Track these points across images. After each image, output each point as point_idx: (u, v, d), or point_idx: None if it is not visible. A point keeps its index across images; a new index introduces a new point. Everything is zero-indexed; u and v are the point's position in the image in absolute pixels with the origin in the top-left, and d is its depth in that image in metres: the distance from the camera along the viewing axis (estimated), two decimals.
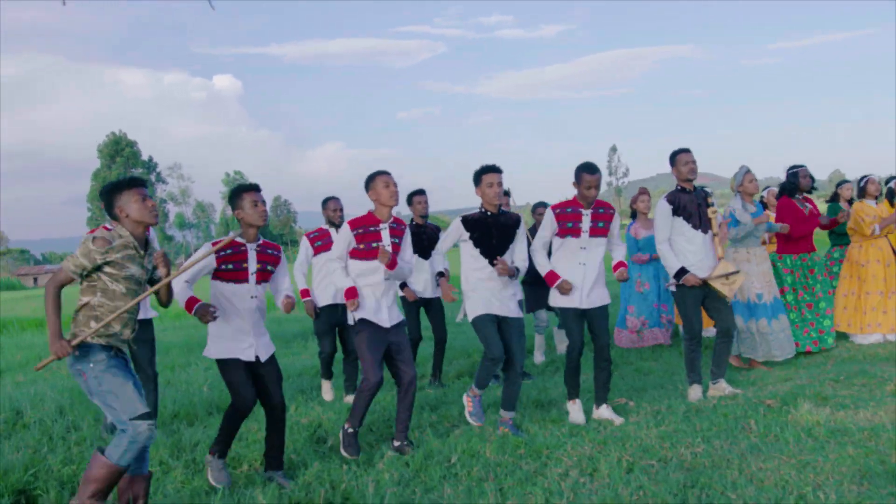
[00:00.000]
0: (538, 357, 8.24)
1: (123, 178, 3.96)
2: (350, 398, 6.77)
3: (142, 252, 3.96)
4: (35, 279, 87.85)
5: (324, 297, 6.78)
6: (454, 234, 5.43)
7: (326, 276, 6.64)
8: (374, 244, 5.04)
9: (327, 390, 6.98)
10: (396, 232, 5.16)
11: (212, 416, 6.41)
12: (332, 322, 6.82)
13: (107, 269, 3.81)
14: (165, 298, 4.18)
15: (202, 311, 4.34)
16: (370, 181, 5.12)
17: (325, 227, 6.89)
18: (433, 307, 7.20)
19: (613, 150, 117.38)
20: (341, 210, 6.87)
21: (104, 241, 3.79)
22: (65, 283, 3.80)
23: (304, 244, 6.86)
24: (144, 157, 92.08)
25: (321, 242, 6.80)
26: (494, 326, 5.31)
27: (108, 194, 3.92)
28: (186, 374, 8.47)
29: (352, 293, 5.00)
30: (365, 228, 5.08)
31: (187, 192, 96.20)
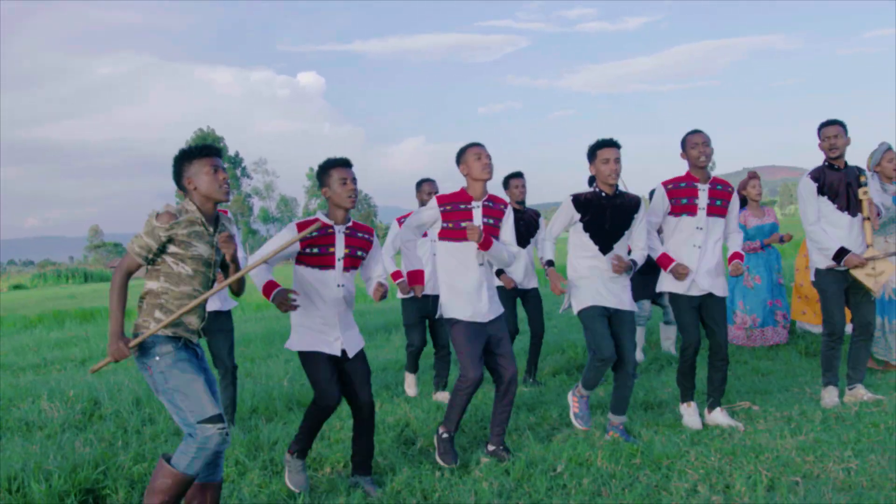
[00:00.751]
0: (638, 354, 7.57)
1: (196, 145, 3.49)
2: (439, 395, 6.26)
3: (210, 230, 3.48)
4: None
5: None
6: (565, 216, 4.80)
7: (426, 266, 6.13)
8: (464, 224, 4.47)
9: (411, 384, 6.48)
10: (492, 212, 4.58)
11: (292, 412, 6.00)
12: (422, 313, 6.30)
13: (171, 248, 3.35)
14: (236, 287, 3.72)
15: (280, 299, 3.86)
16: (461, 154, 4.57)
17: None
18: (530, 298, 6.62)
19: None
20: (437, 193, 6.29)
21: (169, 215, 3.32)
22: (132, 269, 3.34)
23: (394, 227, 6.31)
24: (231, 152, 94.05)
25: None
26: (605, 322, 4.72)
27: (178, 163, 3.46)
28: (266, 367, 8.12)
29: (417, 277, 4.55)
30: (454, 205, 4.52)
31: (271, 186, 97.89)
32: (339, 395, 4.09)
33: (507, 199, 6.47)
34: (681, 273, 4.79)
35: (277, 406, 6.16)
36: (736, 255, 4.97)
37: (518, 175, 6.59)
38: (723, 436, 4.64)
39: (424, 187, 6.34)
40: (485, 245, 4.39)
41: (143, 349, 3.35)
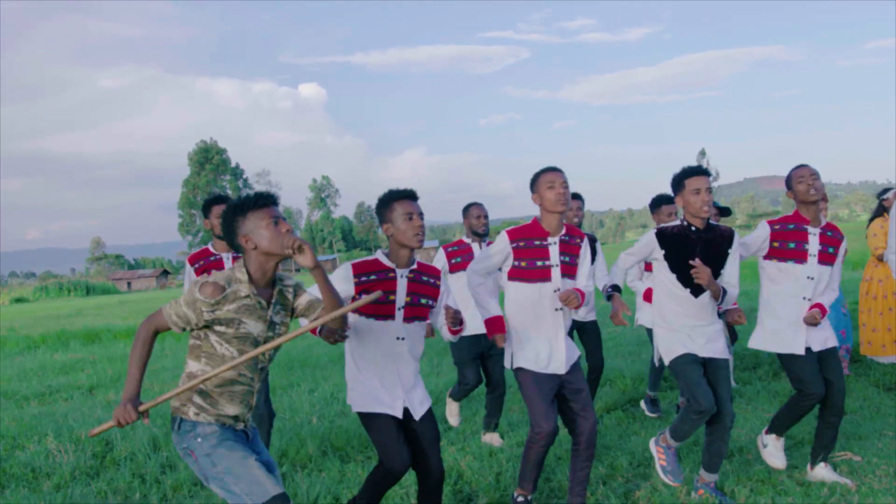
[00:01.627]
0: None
1: (248, 196, 2.87)
2: (488, 437, 5.64)
3: (264, 303, 2.88)
4: (129, 283, 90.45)
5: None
6: (644, 249, 4.16)
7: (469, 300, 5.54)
8: (540, 263, 3.86)
9: (454, 413, 5.86)
10: (569, 247, 3.94)
11: (326, 458, 5.40)
12: (476, 352, 5.66)
13: (217, 326, 2.78)
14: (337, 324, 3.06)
15: (327, 331, 3.22)
16: (534, 181, 3.94)
17: (466, 239, 5.70)
18: (587, 331, 5.98)
19: (702, 153, 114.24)
20: (486, 217, 5.66)
21: (216, 288, 2.73)
22: (160, 329, 2.78)
23: (440, 258, 5.66)
24: (232, 164, 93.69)
25: (460, 258, 5.59)
26: (700, 368, 4.10)
27: (230, 219, 2.84)
28: (290, 399, 7.51)
29: (497, 325, 3.87)
30: (528, 241, 3.89)
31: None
32: (409, 459, 3.45)
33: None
34: (818, 319, 4.21)
35: (310, 449, 5.56)
36: (818, 305, 4.29)
37: (575, 196, 5.91)
38: (834, 496, 4.04)
39: (473, 211, 5.65)
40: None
41: (184, 431, 2.79)
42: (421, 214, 3.46)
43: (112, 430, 6.29)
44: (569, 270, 3.91)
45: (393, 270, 3.46)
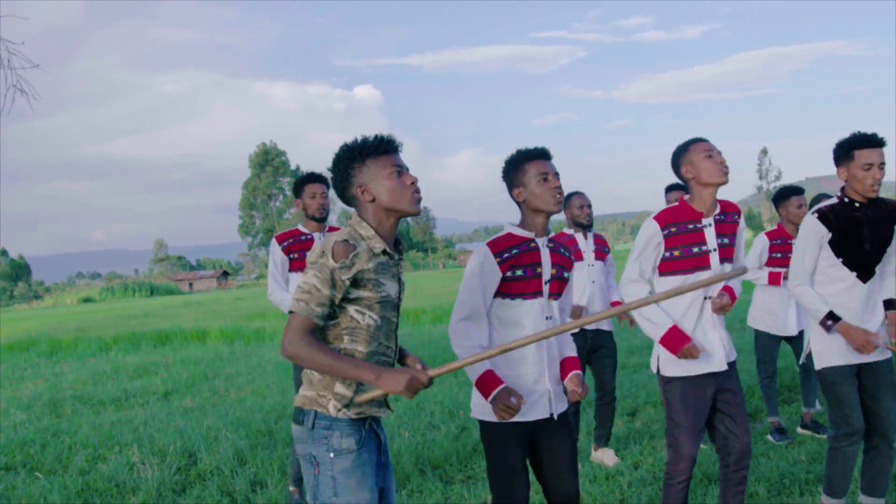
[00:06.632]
0: None
1: (367, 140, 2.42)
2: (601, 454, 5.15)
3: (396, 256, 2.50)
4: (190, 284, 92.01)
5: None
6: (815, 240, 3.58)
7: (582, 296, 5.09)
8: (697, 249, 3.36)
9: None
10: (726, 227, 3.43)
11: (426, 477, 5.00)
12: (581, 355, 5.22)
13: (356, 292, 2.34)
14: None
15: (502, 399, 2.76)
16: (682, 153, 3.42)
17: (568, 230, 5.28)
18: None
19: (764, 152, 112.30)
20: (589, 207, 5.21)
21: (347, 247, 2.30)
22: (310, 329, 2.29)
23: None
24: (292, 166, 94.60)
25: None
26: (855, 384, 3.61)
27: (343, 166, 2.42)
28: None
29: (680, 338, 3.31)
30: (680, 226, 3.37)
31: (333, 199, 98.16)
32: (526, 497, 2.96)
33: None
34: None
35: (406, 466, 5.16)
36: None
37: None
38: None
39: (575, 201, 5.20)
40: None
41: (317, 434, 2.35)
42: (557, 174, 3.00)
43: (194, 437, 6.06)
44: (727, 254, 3.42)
45: (533, 240, 3.00)
